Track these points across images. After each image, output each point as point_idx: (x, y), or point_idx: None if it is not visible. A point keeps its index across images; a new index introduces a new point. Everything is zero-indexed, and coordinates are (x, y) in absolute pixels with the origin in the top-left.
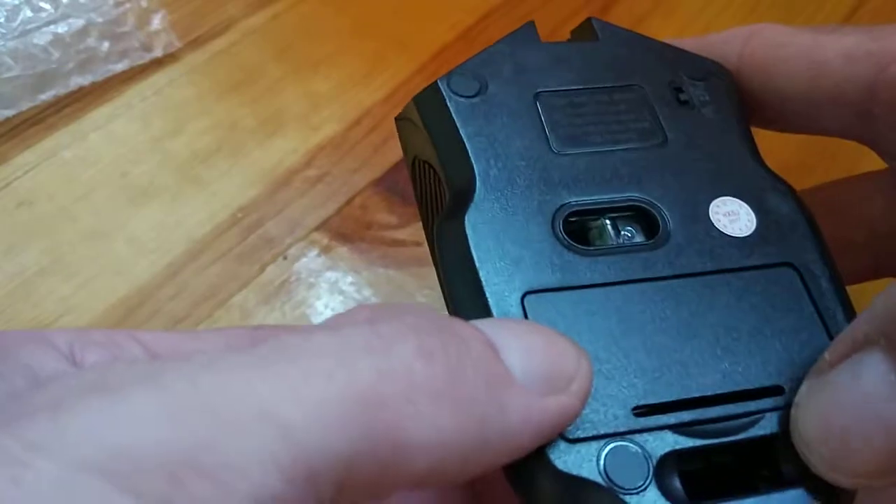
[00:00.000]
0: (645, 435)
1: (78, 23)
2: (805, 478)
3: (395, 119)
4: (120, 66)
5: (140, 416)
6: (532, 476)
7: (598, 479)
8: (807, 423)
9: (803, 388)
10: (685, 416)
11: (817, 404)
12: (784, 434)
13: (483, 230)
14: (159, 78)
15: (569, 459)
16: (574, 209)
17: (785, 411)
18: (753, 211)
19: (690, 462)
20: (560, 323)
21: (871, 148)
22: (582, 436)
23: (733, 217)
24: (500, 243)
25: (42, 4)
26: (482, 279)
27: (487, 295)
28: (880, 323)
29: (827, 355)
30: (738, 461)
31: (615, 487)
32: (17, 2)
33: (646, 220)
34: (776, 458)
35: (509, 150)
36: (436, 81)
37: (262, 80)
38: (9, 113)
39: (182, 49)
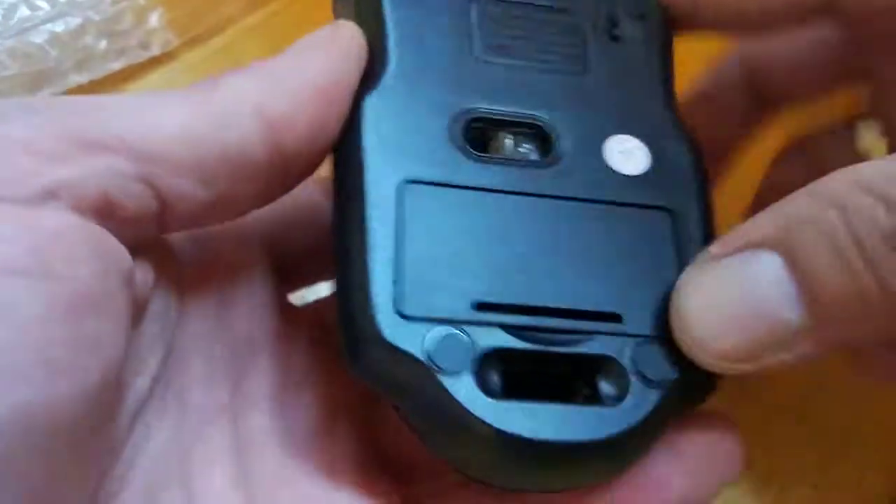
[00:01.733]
0: (477, 327)
1: (75, 21)
2: (620, 400)
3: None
4: (118, 65)
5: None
6: (363, 344)
7: (419, 355)
8: (688, 300)
9: (688, 272)
10: (522, 320)
11: (704, 285)
12: (609, 358)
13: (380, 114)
14: (157, 76)
15: (398, 333)
16: (477, 115)
17: (616, 338)
18: (650, 154)
19: (516, 364)
20: (430, 215)
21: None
22: (417, 315)
23: (627, 155)
24: (393, 130)
25: (39, 3)
26: (364, 160)
27: (365, 175)
28: (783, 234)
29: (714, 248)
30: (561, 375)
31: (433, 365)
32: (13, 0)
33: (543, 141)
34: (597, 380)
35: (430, 44)
36: None
37: None
38: None
39: (180, 47)
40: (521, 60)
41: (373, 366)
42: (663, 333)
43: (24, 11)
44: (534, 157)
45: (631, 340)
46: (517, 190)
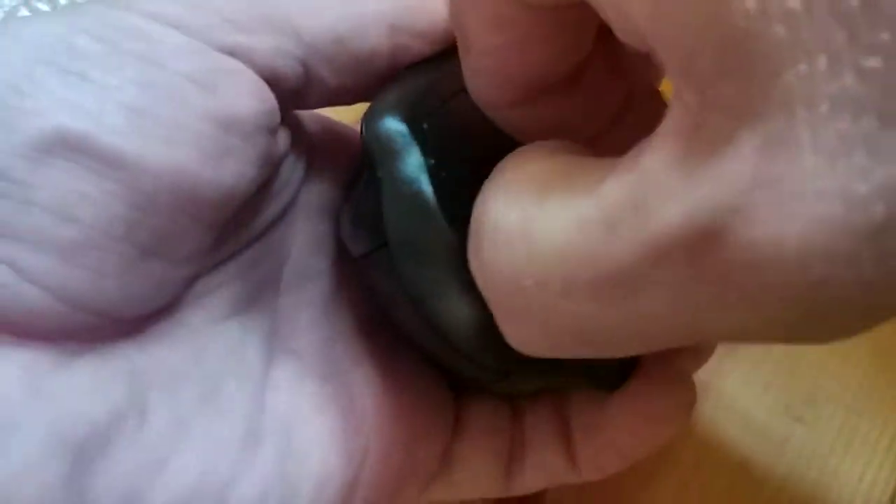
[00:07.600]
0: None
1: None
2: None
3: None
4: None
5: None
6: (378, 120)
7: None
8: None
9: None
10: None
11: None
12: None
13: None
14: None
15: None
16: None
17: None
18: None
19: None
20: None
21: None
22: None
23: None
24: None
25: (40, 5)
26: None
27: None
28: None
29: None
30: None
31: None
32: (14, 3)
33: None
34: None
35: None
36: None
37: None
38: None
39: None
40: None
41: (375, 136)
42: None
43: (24, 14)
44: None
45: None
46: None
